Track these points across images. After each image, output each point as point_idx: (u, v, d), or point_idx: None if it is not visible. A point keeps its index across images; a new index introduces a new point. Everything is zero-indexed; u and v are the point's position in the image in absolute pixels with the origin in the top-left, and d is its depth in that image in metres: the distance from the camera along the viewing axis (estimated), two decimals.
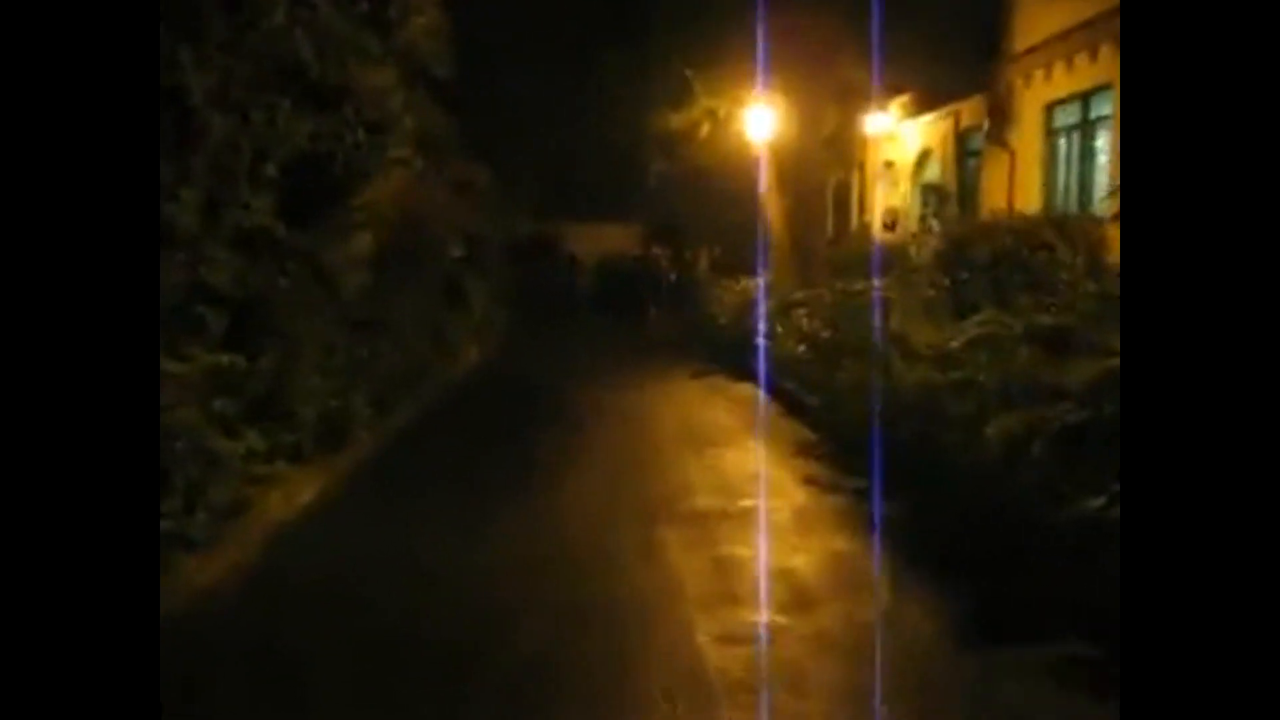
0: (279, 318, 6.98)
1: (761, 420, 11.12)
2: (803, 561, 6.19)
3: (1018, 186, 20.57)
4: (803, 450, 9.54)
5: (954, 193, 24.25)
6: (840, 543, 6.57)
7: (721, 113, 19.22)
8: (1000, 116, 21.58)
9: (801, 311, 13.64)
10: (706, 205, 23.76)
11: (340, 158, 7.50)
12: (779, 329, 13.65)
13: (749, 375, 14.11)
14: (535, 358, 17.83)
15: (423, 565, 6.09)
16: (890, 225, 29.49)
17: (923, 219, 26.23)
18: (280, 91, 6.62)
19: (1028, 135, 19.72)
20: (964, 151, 24.20)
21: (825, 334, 12.17)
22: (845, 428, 9.45)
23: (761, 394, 12.74)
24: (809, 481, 8.27)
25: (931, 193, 26.72)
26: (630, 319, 25.81)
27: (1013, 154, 20.92)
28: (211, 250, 6.10)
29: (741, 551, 6.37)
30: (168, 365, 5.53)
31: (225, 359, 6.07)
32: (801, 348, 12.37)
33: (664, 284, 28.51)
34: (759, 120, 18.52)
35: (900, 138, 25.39)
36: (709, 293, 19.93)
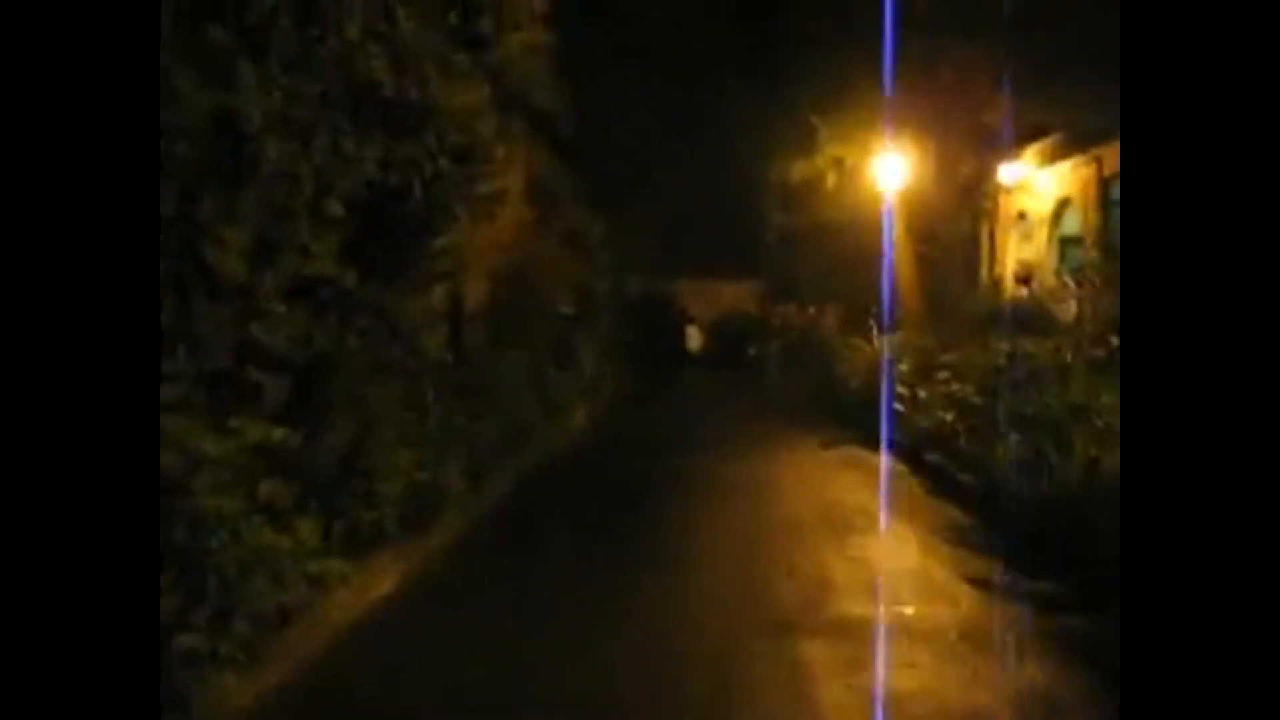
0: (350, 382, 5.95)
1: (905, 500, 9.70)
2: (992, 700, 4.81)
3: None
4: (960, 539, 8.10)
5: (1096, 246, 22.48)
6: (1038, 673, 5.15)
7: (849, 162, 17.94)
8: None
9: (945, 374, 12.21)
10: (830, 261, 22.38)
11: (418, 191, 6.42)
12: (920, 394, 12.22)
13: (887, 446, 12.70)
14: (647, 421, 16.62)
15: (503, 689, 4.91)
16: (1024, 280, 27.81)
17: (1058, 274, 24.47)
18: (348, 112, 5.63)
19: None
20: (1107, 200, 22.49)
21: (976, 400, 10.73)
22: (1011, 513, 8.01)
23: (903, 468, 11.33)
24: (975, 582, 6.82)
25: (1072, 246, 24.93)
26: (750, 381, 24.43)
27: None
28: (266, 303, 5.09)
29: (906, 684, 5.01)
30: (203, 444, 4.50)
31: (278, 433, 5.01)
32: (949, 415, 10.93)
33: (783, 344, 27.14)
34: (889, 169, 17.19)
35: (1035, 187, 23.73)
36: (836, 352, 18.52)
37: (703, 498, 10.02)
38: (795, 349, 26.63)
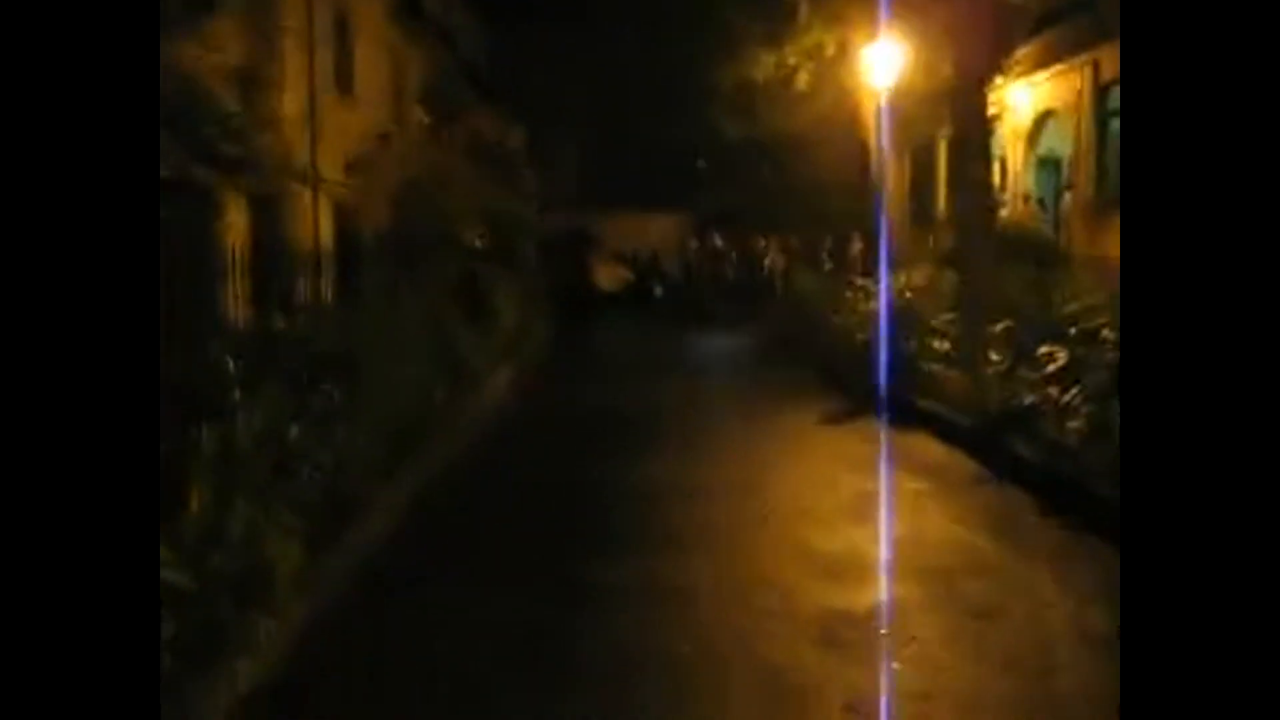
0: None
1: (1032, 540, 6.20)
2: None
3: None
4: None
5: (1091, 169, 19.36)
6: None
7: (830, 52, 14.24)
8: None
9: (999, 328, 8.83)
10: (794, 182, 18.80)
11: None
12: (991, 354, 8.78)
13: (920, 420, 9.27)
14: (590, 393, 12.90)
15: None
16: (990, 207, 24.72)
17: (1042, 202, 21.49)
18: None
19: None
20: (1105, 112, 19.34)
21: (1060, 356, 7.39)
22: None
23: (977, 468, 7.84)
24: None
25: (1048, 168, 21.88)
26: (695, 328, 20.74)
27: None
28: None
29: None
30: None
31: None
32: (1044, 387, 7.52)
33: (729, 282, 23.66)
34: (883, 60, 13.59)
35: (1008, 101, 20.47)
36: (825, 296, 14.97)
37: (675, 525, 6.42)
38: (745, 289, 23.17)
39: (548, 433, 10.09)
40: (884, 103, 13.54)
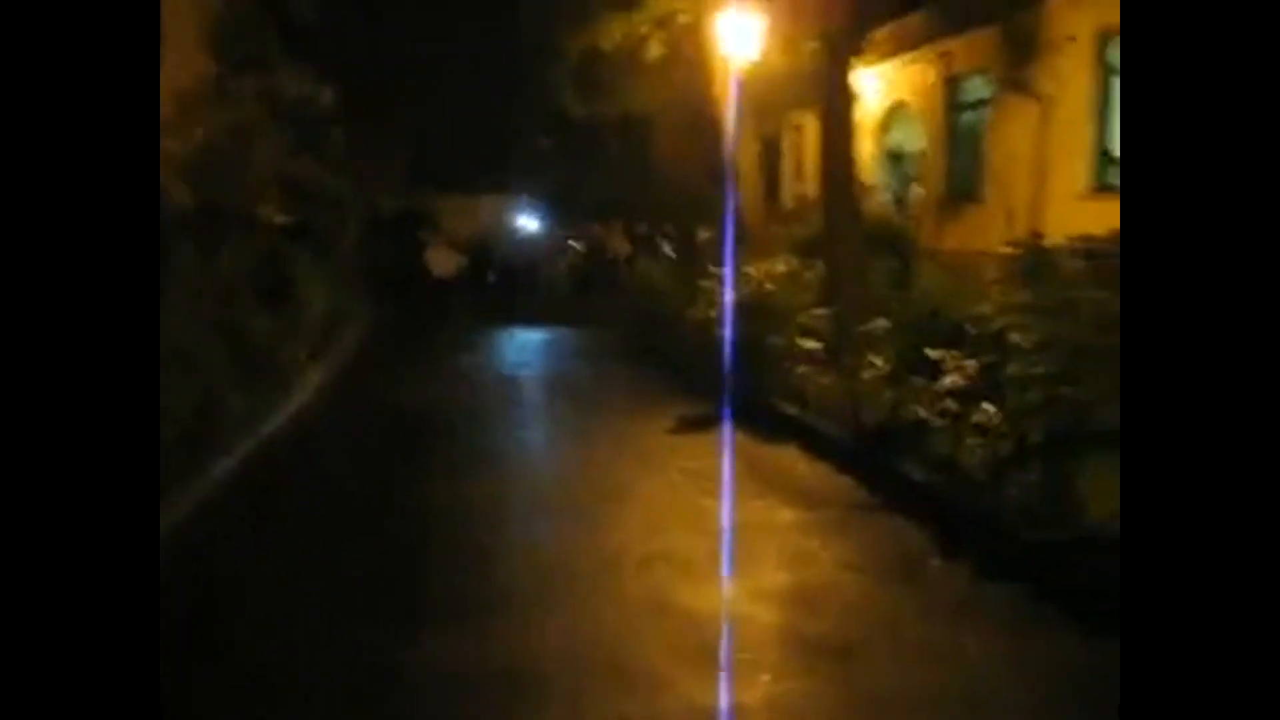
0: None
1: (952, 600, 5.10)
2: None
3: (1055, 151, 15.35)
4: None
5: (940, 162, 18.83)
6: None
7: (683, 20, 13.01)
8: (1023, 51, 16.38)
9: (886, 325, 7.79)
10: (642, 163, 17.56)
11: None
12: (872, 358, 7.67)
13: (790, 430, 8.15)
14: (414, 385, 11.33)
15: None
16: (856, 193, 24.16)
17: (893, 193, 21.00)
18: None
19: (1073, 76, 14.39)
20: (955, 104, 18.90)
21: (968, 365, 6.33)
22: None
23: (863, 494, 6.68)
24: None
25: (898, 161, 21.39)
26: (534, 317, 19.21)
27: (1045, 104, 15.71)
28: None
29: None
30: None
31: None
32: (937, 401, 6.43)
33: (577, 270, 22.30)
34: (739, 30, 12.41)
35: (860, 86, 19.76)
36: (668, 288, 13.76)
37: (515, 620, 5.08)
38: (589, 277, 21.81)
39: (353, 448, 8.51)
40: (736, 77, 12.35)
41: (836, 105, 10.87)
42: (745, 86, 12.45)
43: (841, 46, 11.46)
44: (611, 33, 13.34)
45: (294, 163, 10.79)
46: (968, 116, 18.74)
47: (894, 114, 20.92)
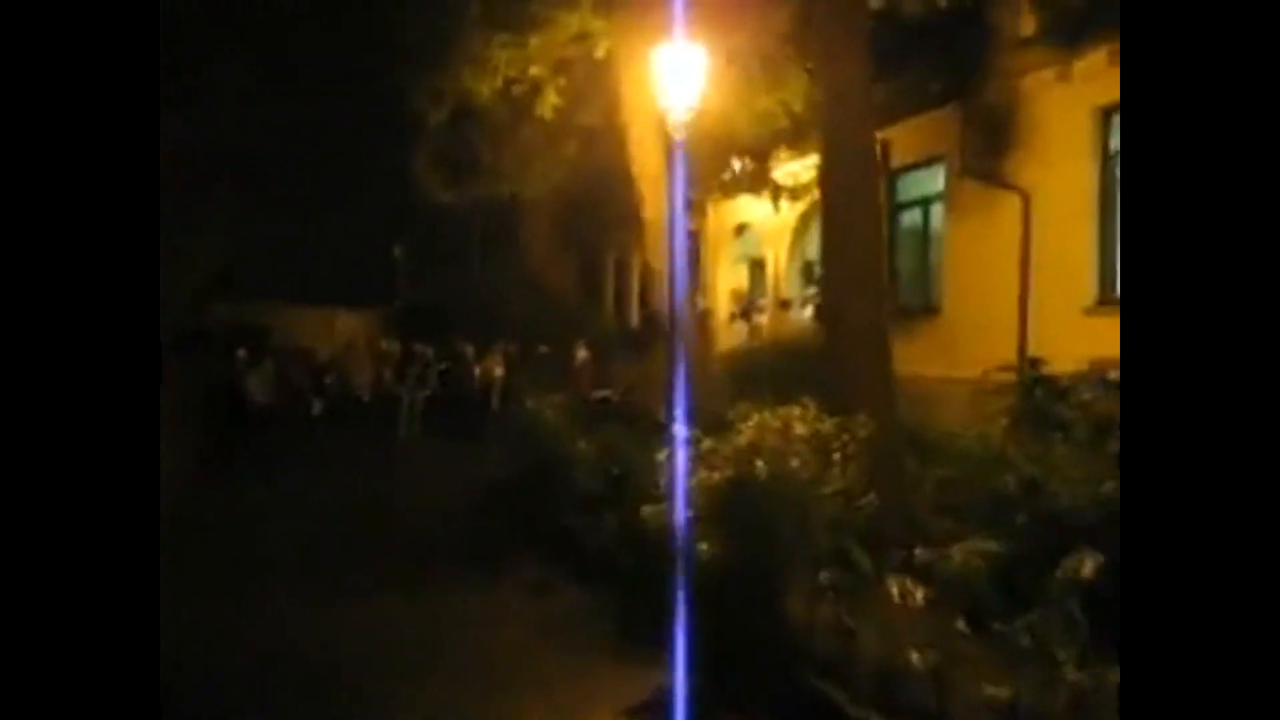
0: None
1: None
2: None
3: (1045, 254, 12.46)
4: None
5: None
6: None
7: (605, 51, 9.23)
8: (994, 136, 13.59)
9: None
10: (527, 264, 13.62)
11: None
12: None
13: None
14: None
15: None
16: (743, 314, 21.23)
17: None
18: None
19: (1065, 164, 11.91)
20: (896, 204, 15.91)
21: None
22: None
23: None
24: None
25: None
26: (380, 465, 14.52)
27: (1027, 199, 12.87)
28: None
29: None
30: None
31: None
32: None
33: (437, 399, 18.00)
34: (680, 70, 8.73)
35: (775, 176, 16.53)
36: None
37: None
38: (452, 408, 17.51)
39: None
40: (679, 136, 8.55)
41: (842, 181, 7.35)
42: (690, 148, 8.72)
43: (855, 98, 7.98)
44: (491, 71, 9.42)
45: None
46: (909, 217, 15.81)
47: (813, 213, 17.45)
